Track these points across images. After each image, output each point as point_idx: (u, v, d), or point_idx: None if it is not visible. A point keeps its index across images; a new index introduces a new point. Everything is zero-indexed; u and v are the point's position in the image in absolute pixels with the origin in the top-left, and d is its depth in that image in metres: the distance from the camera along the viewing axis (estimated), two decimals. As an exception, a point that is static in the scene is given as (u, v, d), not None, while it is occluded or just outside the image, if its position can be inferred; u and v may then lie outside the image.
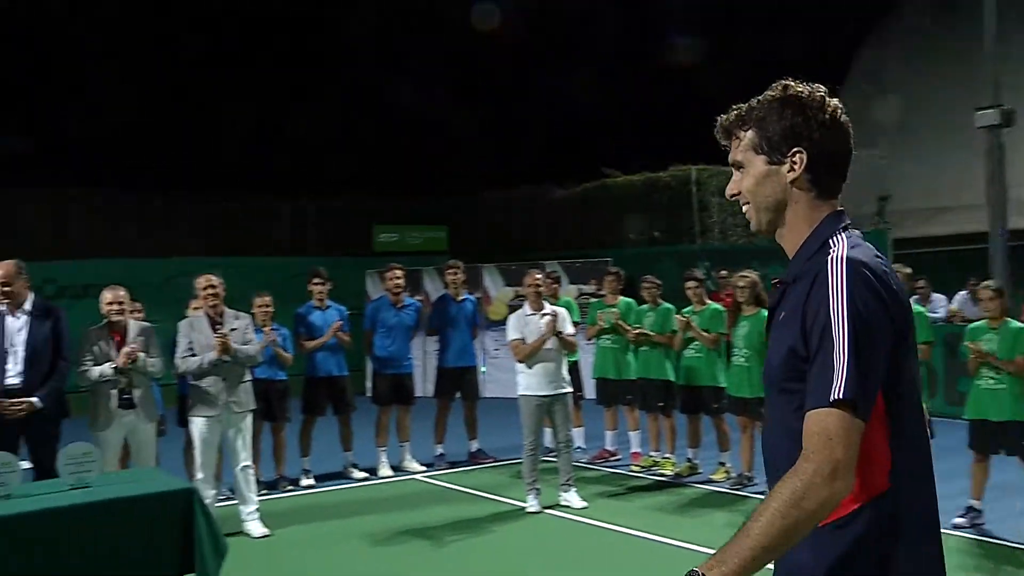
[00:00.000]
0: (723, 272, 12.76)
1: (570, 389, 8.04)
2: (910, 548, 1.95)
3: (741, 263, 10.90)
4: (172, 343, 7.59)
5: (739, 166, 2.18)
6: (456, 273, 10.01)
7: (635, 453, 9.50)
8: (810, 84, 2.13)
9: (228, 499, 7.80)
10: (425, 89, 23.68)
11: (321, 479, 9.18)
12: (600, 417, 10.02)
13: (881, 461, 1.94)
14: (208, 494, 6.77)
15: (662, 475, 8.99)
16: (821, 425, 1.85)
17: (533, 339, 7.72)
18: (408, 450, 9.73)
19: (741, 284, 8.17)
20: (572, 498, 7.88)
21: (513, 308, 13.93)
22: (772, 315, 2.14)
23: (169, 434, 8.10)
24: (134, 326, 7.15)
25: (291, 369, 9.00)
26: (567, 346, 7.94)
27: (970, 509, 6.94)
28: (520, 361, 7.79)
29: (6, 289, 6.60)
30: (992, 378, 6.85)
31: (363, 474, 9.34)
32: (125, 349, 6.91)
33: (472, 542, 7.12)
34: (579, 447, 9.62)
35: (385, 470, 9.47)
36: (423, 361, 13.15)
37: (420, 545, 7.00)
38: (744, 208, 2.20)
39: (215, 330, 7.22)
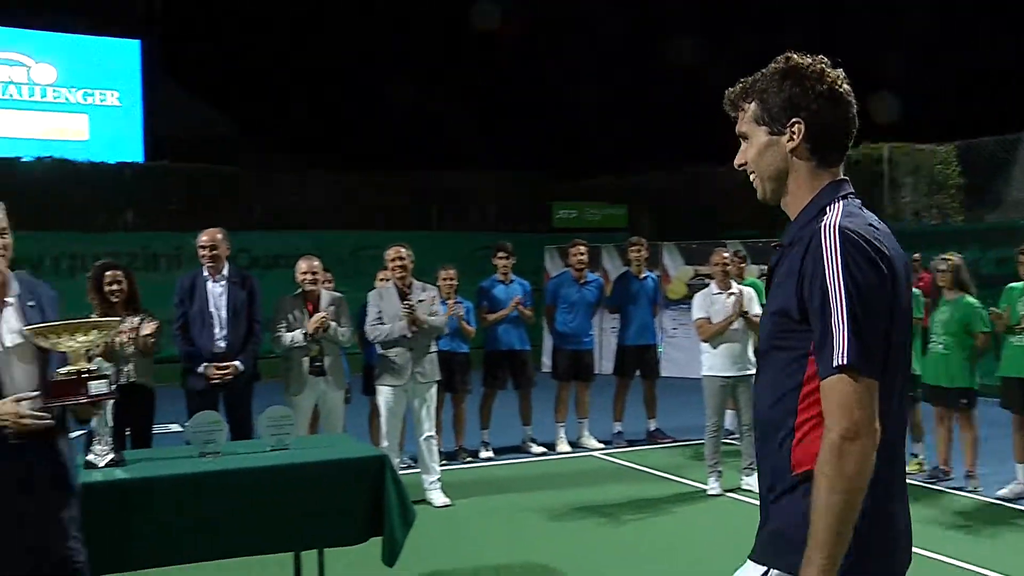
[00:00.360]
0: (915, 255, 12.05)
1: (755, 371, 7.81)
2: (876, 499, 2.02)
3: (935, 246, 10.32)
4: (359, 313, 7.81)
5: (744, 137, 2.29)
6: (640, 250, 9.88)
7: (820, 440, 9.16)
8: (812, 56, 2.21)
9: (409, 468, 7.97)
10: (610, 68, 23.53)
11: (500, 452, 9.28)
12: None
13: None
14: (392, 462, 6.93)
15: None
16: (835, 392, 1.95)
17: (719, 319, 7.54)
18: (586, 427, 9.72)
19: (942, 268, 7.72)
20: (754, 482, 7.64)
21: (692, 287, 13.70)
22: (770, 278, 2.24)
23: (354, 402, 8.32)
24: (326, 296, 7.39)
25: (473, 342, 9.11)
26: (754, 327, 7.72)
27: None
28: (705, 341, 7.63)
29: (213, 253, 6.93)
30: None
31: (541, 449, 9.40)
32: (316, 316, 7.15)
33: (651, 522, 7.04)
34: (761, 431, 9.36)
35: (563, 446, 9.49)
36: (600, 338, 13.10)
37: (597, 522, 6.97)
38: (751, 177, 2.31)
39: (403, 301, 7.38)
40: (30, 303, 3.69)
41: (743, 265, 9.74)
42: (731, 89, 2.31)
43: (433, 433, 7.54)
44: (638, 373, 9.88)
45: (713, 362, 7.61)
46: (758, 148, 2.25)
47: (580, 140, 23.55)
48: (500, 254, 9.42)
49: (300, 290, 7.32)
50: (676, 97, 24.04)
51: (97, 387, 3.65)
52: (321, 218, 17.01)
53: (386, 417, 7.42)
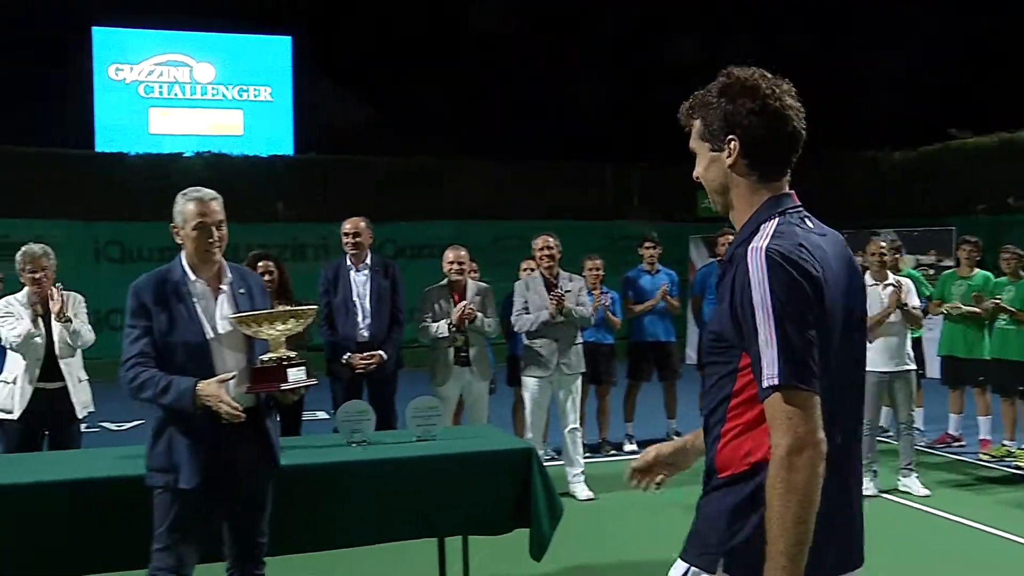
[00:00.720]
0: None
1: (913, 366, 7.45)
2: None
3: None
4: (504, 303, 7.80)
5: (695, 152, 2.34)
6: (788, 240, 9.56)
7: (984, 440, 8.69)
8: (751, 69, 2.21)
9: (552, 460, 7.92)
10: (756, 53, 22.94)
11: (644, 445, 9.08)
12: (942, 399, 9.25)
13: None
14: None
15: (1017, 467, 8.16)
16: (775, 411, 1.99)
17: (875, 311, 7.21)
18: (732, 421, 9.47)
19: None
20: (913, 484, 7.33)
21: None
22: (717, 292, 2.25)
23: (498, 393, 8.31)
24: (472, 286, 7.39)
25: (618, 333, 8.99)
26: (911, 320, 7.36)
27: None
28: (860, 335, 7.31)
29: (356, 240, 7.01)
30: None
31: (686, 442, 9.20)
32: (459, 306, 7.15)
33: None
34: (918, 429, 8.94)
35: (708, 440, 9.27)
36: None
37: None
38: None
39: (550, 291, 7.33)
40: (241, 291, 3.85)
41: (898, 256, 9.26)
42: (684, 103, 2.34)
43: (577, 425, 7.48)
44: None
45: (869, 357, 7.23)
46: (704, 164, 2.30)
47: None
48: (647, 244, 9.27)
49: (446, 280, 7.35)
50: (825, 80, 23.26)
51: (296, 375, 3.75)
52: (463, 208, 17.14)
53: (531, 408, 7.40)
